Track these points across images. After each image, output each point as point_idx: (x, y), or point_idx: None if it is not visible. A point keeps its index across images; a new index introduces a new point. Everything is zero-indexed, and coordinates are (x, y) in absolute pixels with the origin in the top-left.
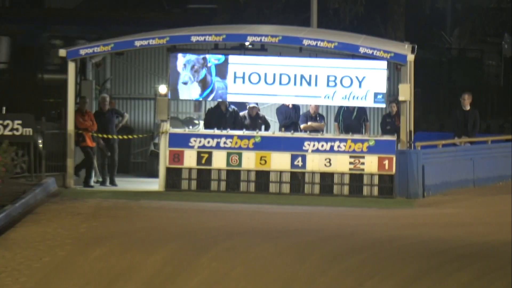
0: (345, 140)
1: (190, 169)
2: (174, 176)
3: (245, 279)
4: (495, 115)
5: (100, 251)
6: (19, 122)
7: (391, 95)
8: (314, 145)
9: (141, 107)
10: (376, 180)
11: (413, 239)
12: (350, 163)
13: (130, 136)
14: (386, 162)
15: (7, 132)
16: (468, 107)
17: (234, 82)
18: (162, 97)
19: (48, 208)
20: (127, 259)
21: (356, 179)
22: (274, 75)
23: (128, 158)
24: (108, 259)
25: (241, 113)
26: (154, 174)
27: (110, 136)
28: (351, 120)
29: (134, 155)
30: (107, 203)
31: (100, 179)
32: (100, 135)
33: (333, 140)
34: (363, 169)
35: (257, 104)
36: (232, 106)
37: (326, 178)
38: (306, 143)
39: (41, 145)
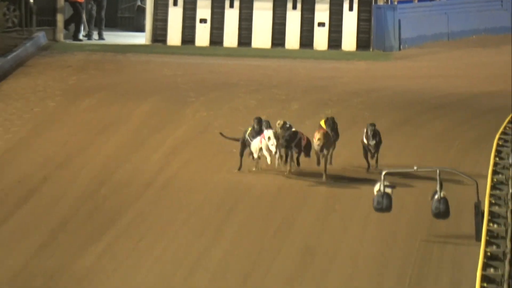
0: None
1: (175, 21)
2: (160, 29)
3: (228, 127)
4: None
5: (89, 102)
6: None
7: None
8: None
9: None
10: (354, 30)
11: (390, 91)
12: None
13: None
14: (364, 14)
15: None
16: None
17: None
18: None
19: (39, 61)
20: (115, 110)
21: (336, 30)
22: None
23: (115, 13)
24: (96, 110)
25: None
26: (141, 29)
27: None
28: None
29: (122, 10)
30: (95, 56)
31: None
32: None
33: None
34: (341, 19)
35: None
36: None
37: (307, 30)
38: None
39: (32, 0)
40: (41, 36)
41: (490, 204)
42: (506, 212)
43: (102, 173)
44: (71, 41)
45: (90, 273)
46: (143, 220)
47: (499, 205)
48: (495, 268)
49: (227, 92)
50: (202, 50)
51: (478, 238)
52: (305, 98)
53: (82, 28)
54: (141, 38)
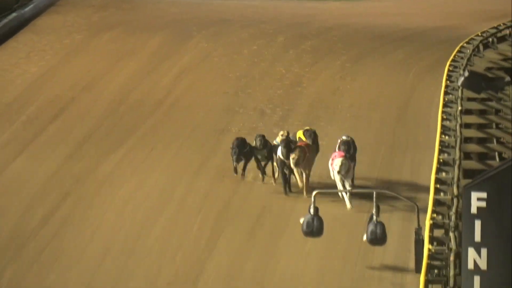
0: None
1: None
2: None
3: (225, 56)
4: None
5: (110, 36)
6: None
7: None
8: None
9: None
10: None
11: (359, 26)
12: None
13: None
14: None
15: None
16: None
17: None
18: None
19: (68, 1)
20: (131, 42)
21: None
22: None
23: None
24: (116, 41)
25: None
26: None
27: None
28: None
29: None
30: None
31: None
32: None
33: None
34: None
35: None
36: None
37: None
38: None
39: None
40: None
41: (442, 119)
42: (456, 125)
43: (121, 94)
44: None
45: (111, 177)
46: (154, 133)
47: (450, 120)
48: (446, 172)
49: (223, 26)
50: None
51: (418, 270)
52: (289, 32)
53: None
54: None
